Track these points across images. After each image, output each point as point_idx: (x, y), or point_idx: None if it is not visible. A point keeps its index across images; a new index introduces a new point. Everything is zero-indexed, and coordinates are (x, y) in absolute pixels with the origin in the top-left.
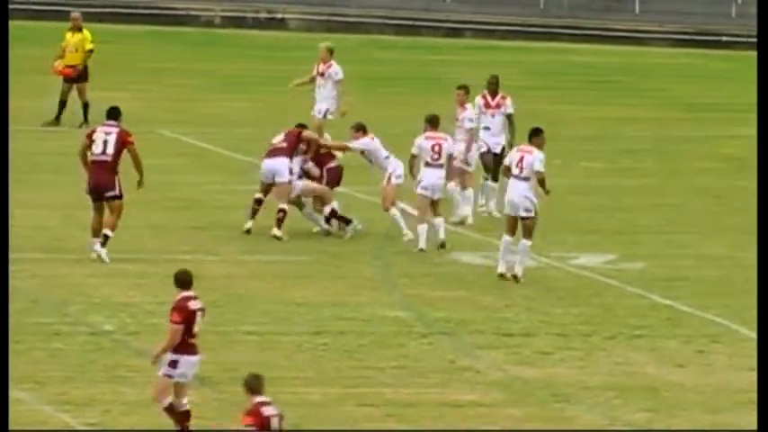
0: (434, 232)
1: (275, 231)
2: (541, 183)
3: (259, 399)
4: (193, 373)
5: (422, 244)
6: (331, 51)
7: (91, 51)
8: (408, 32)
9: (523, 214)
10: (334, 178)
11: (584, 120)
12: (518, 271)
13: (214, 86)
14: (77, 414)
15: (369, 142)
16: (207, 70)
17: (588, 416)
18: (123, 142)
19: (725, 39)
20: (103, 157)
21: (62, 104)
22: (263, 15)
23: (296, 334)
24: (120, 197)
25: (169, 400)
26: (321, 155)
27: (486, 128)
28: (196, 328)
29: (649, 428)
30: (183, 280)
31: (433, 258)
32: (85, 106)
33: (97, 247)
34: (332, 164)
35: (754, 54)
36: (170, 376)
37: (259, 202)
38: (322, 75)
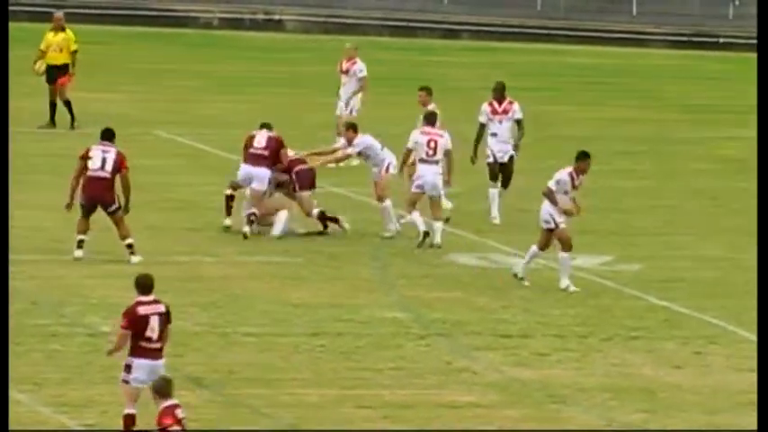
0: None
1: (246, 229)
2: (548, 198)
3: (170, 402)
4: (149, 378)
5: (422, 227)
6: (356, 49)
7: (75, 52)
8: (405, 34)
9: (543, 225)
10: (306, 181)
11: (580, 121)
12: (562, 284)
13: (211, 88)
14: (75, 415)
15: (366, 140)
16: (204, 71)
17: (585, 417)
18: (120, 165)
19: (722, 40)
20: (102, 173)
21: (53, 106)
22: (261, 17)
23: (294, 335)
24: (120, 208)
25: (131, 409)
26: (290, 160)
27: (494, 134)
28: (151, 333)
29: (646, 429)
30: (144, 284)
31: (431, 260)
32: (68, 104)
33: (131, 258)
34: (301, 166)
35: (751, 55)
36: (126, 381)
37: (231, 198)
38: (346, 72)
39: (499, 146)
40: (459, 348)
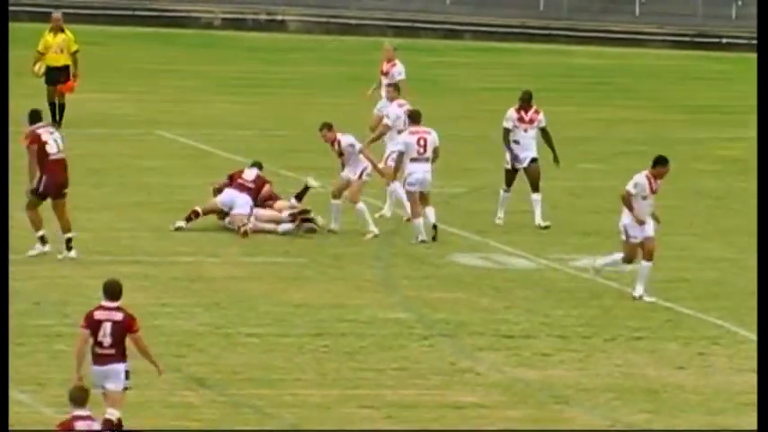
0: (427, 222)
1: (246, 229)
2: (624, 204)
3: (77, 412)
4: (107, 384)
5: (422, 236)
6: (395, 50)
7: (76, 52)
8: (407, 34)
9: (621, 237)
10: (273, 195)
11: (582, 121)
12: (636, 292)
13: (213, 88)
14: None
15: (350, 138)
16: (206, 72)
17: (588, 417)
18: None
19: (725, 40)
20: (61, 155)
21: (53, 106)
22: (263, 17)
23: (296, 336)
24: None
25: (108, 415)
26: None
27: (516, 141)
28: (102, 339)
29: (649, 429)
30: (109, 290)
31: (433, 260)
32: (62, 107)
33: (68, 253)
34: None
35: (753, 56)
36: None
37: (197, 215)
38: (386, 74)
39: (522, 153)
40: (462, 349)
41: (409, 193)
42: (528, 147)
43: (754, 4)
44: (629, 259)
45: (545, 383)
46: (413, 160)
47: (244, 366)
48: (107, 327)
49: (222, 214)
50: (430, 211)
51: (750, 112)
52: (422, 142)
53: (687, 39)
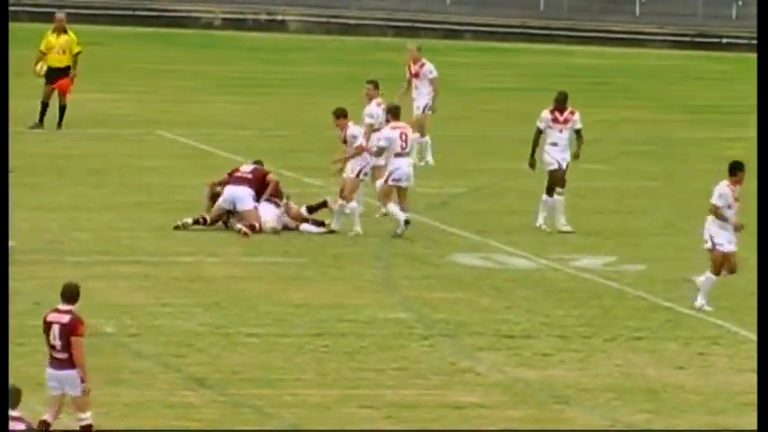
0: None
1: (244, 229)
2: (716, 216)
3: (11, 414)
4: (68, 390)
5: (402, 216)
6: (419, 50)
7: (78, 53)
8: (408, 34)
9: (703, 246)
10: (278, 191)
11: (583, 122)
12: (697, 303)
13: (213, 88)
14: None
15: (356, 129)
16: (206, 72)
17: (588, 417)
18: None
19: (725, 40)
20: None
21: (44, 106)
22: (263, 17)
23: (296, 336)
24: None
25: (47, 416)
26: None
27: (554, 143)
28: (53, 341)
29: (649, 429)
30: (64, 293)
31: (434, 260)
32: (62, 109)
33: None
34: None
35: (753, 56)
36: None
37: (204, 221)
38: (417, 75)
39: (560, 155)
40: (462, 349)
41: (391, 188)
42: (565, 149)
43: (754, 4)
44: (717, 270)
45: (545, 383)
46: (397, 155)
47: (244, 366)
48: (56, 329)
49: (228, 215)
50: (407, 216)
51: (750, 112)
52: (403, 137)
53: (687, 39)
